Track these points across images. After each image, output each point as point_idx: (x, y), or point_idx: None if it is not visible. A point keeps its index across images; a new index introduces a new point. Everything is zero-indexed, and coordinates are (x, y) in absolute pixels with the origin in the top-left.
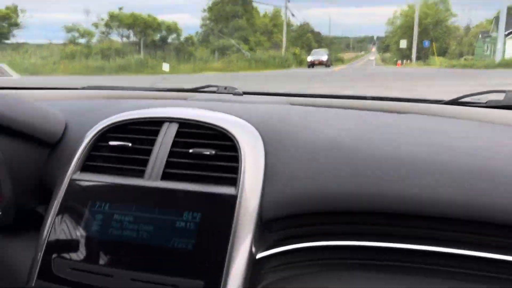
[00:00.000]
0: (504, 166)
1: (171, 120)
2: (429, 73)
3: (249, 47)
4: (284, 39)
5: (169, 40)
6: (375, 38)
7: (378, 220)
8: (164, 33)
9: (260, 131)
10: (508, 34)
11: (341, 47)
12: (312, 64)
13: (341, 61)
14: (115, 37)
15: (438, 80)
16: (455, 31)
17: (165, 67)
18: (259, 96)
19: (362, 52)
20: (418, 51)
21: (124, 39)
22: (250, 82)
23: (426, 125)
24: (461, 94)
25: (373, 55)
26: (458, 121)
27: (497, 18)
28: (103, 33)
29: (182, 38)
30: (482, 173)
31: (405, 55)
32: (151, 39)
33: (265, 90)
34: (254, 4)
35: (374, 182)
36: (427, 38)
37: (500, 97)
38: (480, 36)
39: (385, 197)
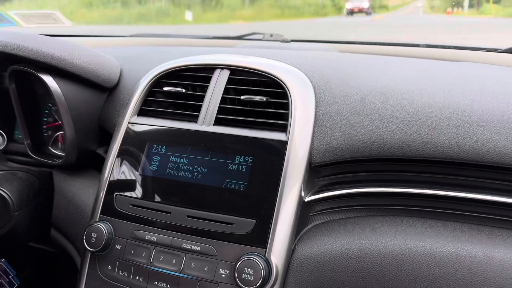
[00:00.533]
0: None
1: (222, 66)
2: (485, 23)
3: None
4: None
5: None
6: None
7: (426, 167)
8: None
9: (311, 78)
10: None
11: None
12: (351, 12)
13: (385, 8)
14: None
15: (497, 33)
16: None
17: (188, 15)
18: (307, 43)
19: None
20: None
21: None
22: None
23: (482, 74)
24: None
25: (421, 1)
26: None
27: None
28: None
29: None
30: None
31: (456, 1)
32: None
33: (313, 38)
34: None
35: (428, 130)
36: None
37: None
38: None
39: (439, 144)
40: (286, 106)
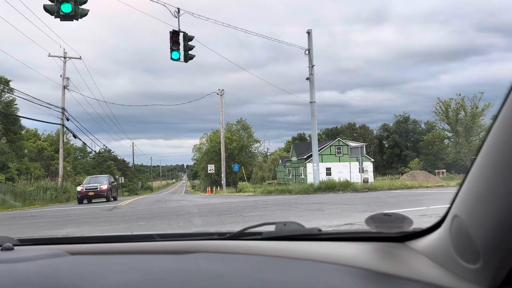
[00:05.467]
0: None
1: None
2: (248, 204)
3: (8, 176)
4: (60, 165)
5: None
6: (185, 166)
7: None
8: None
9: None
10: (307, 158)
11: (152, 176)
12: (85, 197)
13: (150, 189)
14: None
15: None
16: (258, 157)
17: None
18: (35, 247)
19: (173, 180)
20: (227, 177)
21: None
22: None
23: (208, 266)
24: None
25: (184, 181)
26: (237, 257)
27: (295, 144)
28: None
29: None
30: None
31: (214, 180)
32: None
33: (45, 235)
34: (27, 125)
35: None
36: (234, 163)
37: (273, 228)
38: (280, 161)
39: None
40: None
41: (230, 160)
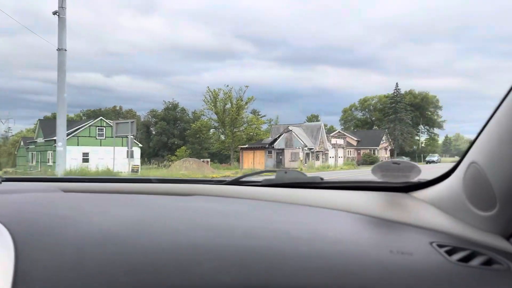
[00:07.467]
0: (273, 244)
1: None
2: None
3: None
4: None
5: None
6: None
7: None
8: None
9: (12, 229)
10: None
11: None
12: None
13: None
14: None
15: None
16: None
17: None
18: (25, 183)
19: None
20: None
21: None
22: None
23: (209, 207)
24: None
25: None
26: (237, 200)
27: (42, 122)
28: None
29: None
30: (257, 253)
31: None
32: None
33: (33, 176)
34: None
35: (151, 277)
36: None
37: (272, 176)
38: (22, 143)
39: None
40: None
41: None
